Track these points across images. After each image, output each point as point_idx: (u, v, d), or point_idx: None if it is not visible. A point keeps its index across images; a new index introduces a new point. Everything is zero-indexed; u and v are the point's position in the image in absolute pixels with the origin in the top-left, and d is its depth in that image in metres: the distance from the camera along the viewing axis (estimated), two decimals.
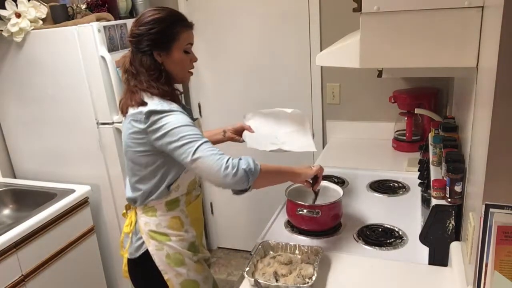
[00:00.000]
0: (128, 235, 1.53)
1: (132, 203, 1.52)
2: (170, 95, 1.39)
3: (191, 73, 1.48)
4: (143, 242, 1.47)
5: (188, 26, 1.41)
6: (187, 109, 1.53)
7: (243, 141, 1.70)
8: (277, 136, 1.67)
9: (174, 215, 1.48)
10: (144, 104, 1.34)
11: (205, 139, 1.30)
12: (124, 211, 1.61)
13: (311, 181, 1.52)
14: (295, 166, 1.47)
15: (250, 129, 1.70)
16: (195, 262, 1.52)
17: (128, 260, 1.54)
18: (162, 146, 1.32)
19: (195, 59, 1.46)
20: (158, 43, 1.37)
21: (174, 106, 1.37)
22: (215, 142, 1.71)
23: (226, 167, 1.24)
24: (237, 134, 1.72)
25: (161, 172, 1.41)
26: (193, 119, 1.54)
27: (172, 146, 1.30)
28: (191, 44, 1.43)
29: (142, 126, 1.33)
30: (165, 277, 1.47)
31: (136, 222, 1.51)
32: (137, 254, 1.49)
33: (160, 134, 1.31)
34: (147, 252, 1.47)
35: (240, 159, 1.28)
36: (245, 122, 1.76)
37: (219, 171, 1.24)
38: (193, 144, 1.27)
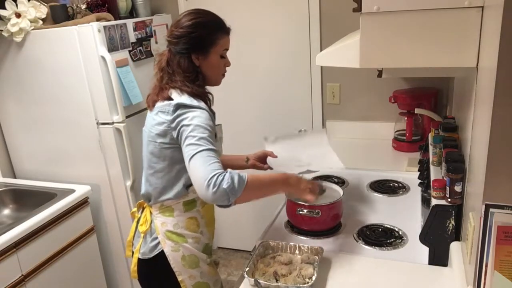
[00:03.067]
0: (140, 234, 1.52)
1: (146, 200, 1.53)
2: (202, 95, 1.41)
3: (224, 76, 1.51)
4: (159, 243, 1.47)
5: (226, 32, 1.45)
6: (213, 112, 1.54)
7: (267, 168, 1.70)
8: (301, 159, 1.66)
9: (191, 215, 1.49)
10: (170, 99, 1.37)
11: (210, 147, 1.27)
12: (135, 209, 1.61)
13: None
14: (291, 176, 1.40)
15: (272, 155, 1.70)
16: (208, 265, 1.53)
17: (139, 260, 1.52)
18: (179, 141, 1.33)
19: (229, 64, 1.50)
20: (198, 46, 1.40)
21: (202, 104, 1.39)
22: (237, 168, 1.66)
23: (209, 183, 1.18)
24: (260, 161, 1.72)
25: (177, 168, 1.41)
26: (215, 125, 1.54)
27: (183, 141, 1.30)
28: (227, 49, 1.47)
29: (168, 117, 1.35)
30: (179, 278, 1.47)
31: (151, 221, 1.50)
32: (151, 255, 1.48)
33: (180, 126, 1.32)
34: (161, 253, 1.46)
35: (225, 174, 1.21)
36: (266, 147, 1.76)
37: (203, 183, 1.19)
38: (197, 148, 1.26)
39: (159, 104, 1.39)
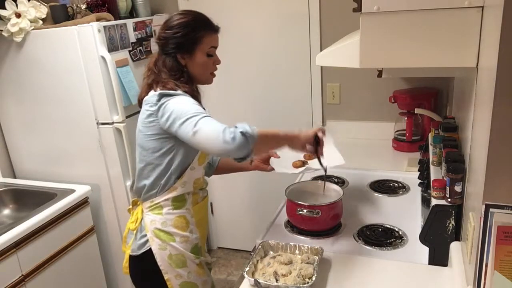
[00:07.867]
0: (132, 231, 1.55)
1: (138, 196, 1.54)
2: (187, 91, 1.42)
3: (214, 75, 1.52)
4: (147, 240, 1.49)
5: (212, 30, 1.46)
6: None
7: (271, 169, 1.71)
8: (303, 156, 1.67)
9: (180, 214, 1.49)
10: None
11: (207, 114, 1.31)
12: (130, 206, 1.63)
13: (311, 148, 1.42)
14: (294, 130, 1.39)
15: (276, 155, 1.72)
16: (197, 265, 1.53)
17: (130, 256, 1.55)
18: (170, 127, 1.34)
19: (218, 62, 1.50)
20: (182, 46, 1.42)
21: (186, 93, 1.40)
22: (241, 170, 1.77)
23: (224, 134, 1.21)
24: (264, 162, 1.73)
25: (167, 159, 1.43)
26: None
27: (177, 124, 1.31)
28: (215, 47, 1.47)
29: (153, 108, 1.38)
30: (165, 277, 1.48)
31: (142, 219, 1.52)
32: (140, 252, 1.50)
33: (168, 115, 1.33)
34: (150, 251, 1.48)
35: (235, 126, 1.25)
36: None
37: (218, 138, 1.22)
38: (195, 118, 1.28)
39: (145, 98, 1.43)
